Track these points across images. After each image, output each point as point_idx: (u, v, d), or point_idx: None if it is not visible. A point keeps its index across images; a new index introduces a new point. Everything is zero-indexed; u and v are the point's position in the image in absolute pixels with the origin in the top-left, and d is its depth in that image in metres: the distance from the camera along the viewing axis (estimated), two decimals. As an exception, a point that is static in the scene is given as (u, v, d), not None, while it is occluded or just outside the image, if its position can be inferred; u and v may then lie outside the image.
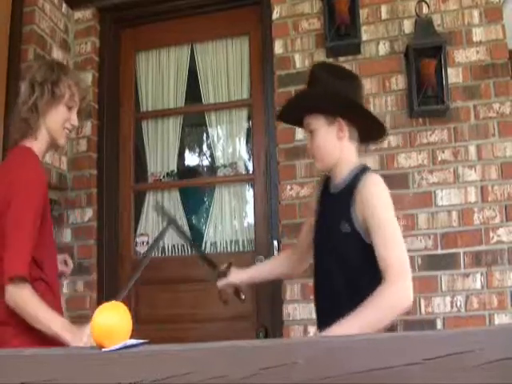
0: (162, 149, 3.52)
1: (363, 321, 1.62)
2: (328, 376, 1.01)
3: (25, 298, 1.88)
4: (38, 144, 2.08)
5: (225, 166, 3.48)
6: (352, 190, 1.82)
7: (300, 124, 2.00)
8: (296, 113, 1.99)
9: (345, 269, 1.88)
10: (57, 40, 3.21)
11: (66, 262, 2.37)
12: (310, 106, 1.92)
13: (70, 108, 2.13)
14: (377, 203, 1.76)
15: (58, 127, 2.11)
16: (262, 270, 2.41)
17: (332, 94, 1.86)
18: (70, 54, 3.35)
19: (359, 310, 1.63)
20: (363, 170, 1.90)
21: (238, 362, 1.05)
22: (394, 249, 1.69)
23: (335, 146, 1.89)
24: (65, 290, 3.08)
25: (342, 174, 1.91)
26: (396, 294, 1.65)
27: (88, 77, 3.32)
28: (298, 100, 2.00)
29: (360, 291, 1.75)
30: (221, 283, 2.30)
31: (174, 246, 3.38)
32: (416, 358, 1.02)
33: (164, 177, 3.51)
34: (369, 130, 1.96)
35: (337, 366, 1.03)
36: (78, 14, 3.42)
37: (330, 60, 3.03)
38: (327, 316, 1.87)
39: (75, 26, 3.41)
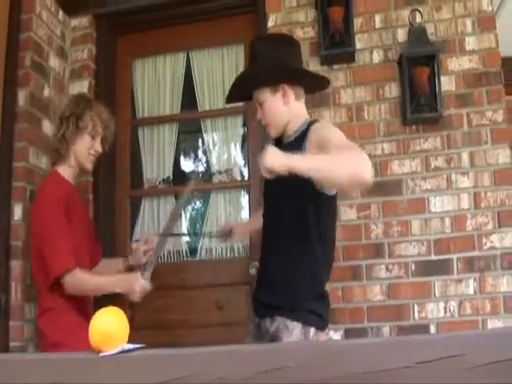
0: (157, 155, 3.53)
1: (324, 162, 1.72)
2: (321, 379, 1.03)
3: (76, 286, 2.33)
4: (67, 168, 2.57)
5: (220, 173, 3.49)
6: (303, 137, 1.99)
7: (248, 99, 2.18)
8: (243, 92, 2.16)
9: (292, 213, 2.03)
10: (54, 47, 3.22)
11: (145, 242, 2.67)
12: (254, 83, 2.09)
13: (93, 137, 2.56)
14: (330, 134, 1.91)
15: (84, 154, 2.55)
16: (256, 222, 2.46)
17: (271, 66, 2.03)
18: (66, 61, 3.36)
19: (320, 155, 1.79)
20: (314, 121, 2.07)
21: (235, 366, 1.07)
22: (347, 143, 1.85)
23: (283, 111, 2.07)
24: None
25: (294, 129, 2.09)
26: (361, 156, 1.70)
27: (84, 84, 3.34)
28: (242, 80, 2.16)
29: (304, 235, 2.00)
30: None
31: (168, 252, 3.40)
32: (409, 361, 1.04)
33: (160, 183, 3.52)
34: (313, 82, 2.18)
35: (329, 369, 1.05)
36: (74, 22, 3.43)
37: (325, 68, 3.06)
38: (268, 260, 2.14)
39: (72, 33, 3.43)
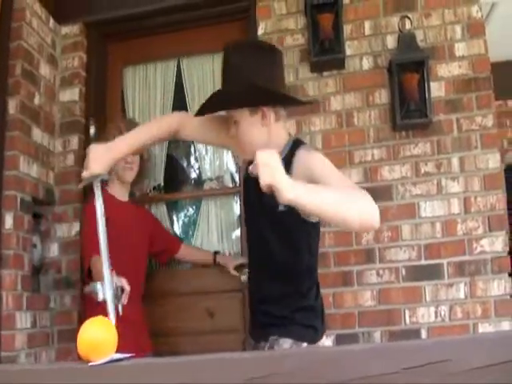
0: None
1: (330, 196, 1.53)
2: (311, 386, 1.04)
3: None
4: (112, 184, 2.88)
5: (211, 180, 3.50)
6: (288, 163, 1.76)
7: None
8: (217, 109, 1.98)
9: (286, 244, 1.92)
10: (44, 55, 3.22)
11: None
12: (228, 105, 1.89)
13: None
14: (325, 167, 1.74)
15: (120, 166, 2.78)
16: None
17: (247, 88, 1.81)
18: (57, 69, 3.36)
19: (334, 188, 1.61)
20: (295, 143, 1.91)
21: (227, 373, 1.07)
22: (345, 179, 1.78)
23: (260, 133, 1.87)
24: (52, 304, 3.08)
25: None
26: (370, 201, 1.56)
27: (75, 91, 3.34)
28: (217, 100, 1.91)
29: (299, 267, 1.94)
30: None
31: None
32: (395, 367, 1.04)
33: (151, 190, 3.53)
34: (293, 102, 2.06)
35: (318, 375, 1.05)
36: (65, 29, 3.43)
37: (315, 75, 3.07)
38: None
39: (62, 41, 3.42)
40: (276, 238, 1.91)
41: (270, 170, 1.42)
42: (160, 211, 3.48)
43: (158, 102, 3.56)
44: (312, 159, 1.78)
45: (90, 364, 1.11)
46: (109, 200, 2.61)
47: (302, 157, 1.80)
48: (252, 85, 1.80)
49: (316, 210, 1.52)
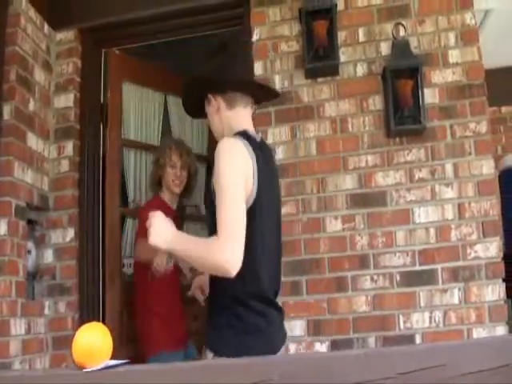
0: (140, 178, 3.73)
1: (189, 253, 1.79)
2: (305, 392, 1.04)
3: None
4: (164, 195, 3.37)
5: (190, 206, 3.94)
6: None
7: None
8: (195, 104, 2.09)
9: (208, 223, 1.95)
10: (39, 61, 3.22)
11: None
12: (184, 94, 2.08)
13: (172, 167, 3.33)
14: (217, 170, 1.77)
15: (169, 182, 3.34)
16: None
17: (190, 80, 2.02)
18: (51, 75, 3.36)
19: (195, 244, 1.79)
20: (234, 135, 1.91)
21: (215, 381, 1.07)
22: (223, 209, 1.71)
23: (215, 122, 2.00)
24: (46, 311, 3.07)
25: None
26: (220, 255, 1.66)
27: (69, 97, 3.34)
28: (185, 94, 2.11)
29: None
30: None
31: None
32: (390, 372, 1.05)
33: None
34: (260, 90, 2.06)
35: (311, 381, 1.05)
36: (59, 35, 3.44)
37: (309, 81, 3.08)
38: None
39: (57, 47, 3.43)
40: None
41: (152, 232, 1.80)
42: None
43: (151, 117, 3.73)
44: (215, 159, 1.80)
45: (85, 370, 1.11)
46: (162, 205, 3.15)
47: (216, 152, 1.83)
48: (193, 76, 2.01)
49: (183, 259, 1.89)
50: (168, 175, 3.31)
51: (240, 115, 1.96)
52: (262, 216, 1.83)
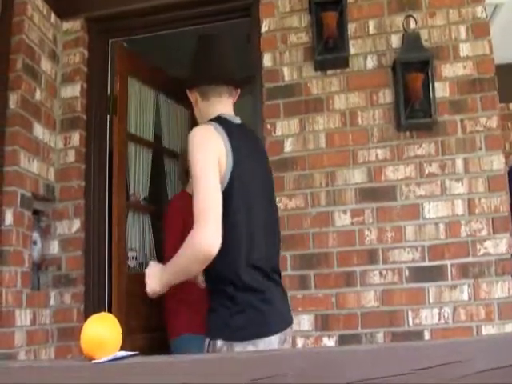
0: (139, 173, 3.70)
1: (174, 268, 1.86)
2: (318, 387, 1.02)
3: None
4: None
5: None
6: None
7: None
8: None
9: None
10: (45, 50, 3.19)
11: None
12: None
13: None
14: (191, 160, 1.84)
15: None
16: None
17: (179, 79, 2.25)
18: (58, 65, 3.34)
19: (175, 256, 1.83)
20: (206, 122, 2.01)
21: (229, 373, 1.05)
22: (197, 198, 1.77)
23: (195, 111, 2.13)
24: (52, 302, 3.05)
25: None
26: (195, 241, 1.73)
27: (76, 88, 3.31)
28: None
29: None
30: None
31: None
32: (405, 368, 1.02)
33: (142, 200, 3.70)
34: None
35: (326, 377, 1.03)
36: (66, 25, 3.41)
37: (318, 74, 3.05)
38: None
39: (64, 37, 3.40)
40: None
41: (147, 280, 1.90)
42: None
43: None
44: (189, 156, 1.87)
45: (94, 361, 1.09)
46: (186, 198, 2.90)
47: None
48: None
49: (177, 281, 1.89)
50: None
51: (215, 104, 2.05)
52: (243, 192, 1.86)
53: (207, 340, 1.80)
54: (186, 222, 2.64)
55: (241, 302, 1.78)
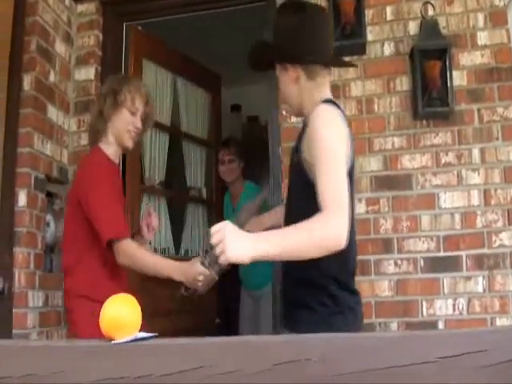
0: (155, 157, 3.68)
1: (287, 242, 1.54)
2: (342, 373, 1.00)
3: (126, 257, 2.23)
4: (107, 146, 2.46)
5: (193, 188, 4.00)
6: (305, 126, 1.83)
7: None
8: (261, 62, 2.00)
9: (291, 202, 1.89)
10: (60, 33, 3.17)
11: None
12: (255, 59, 1.97)
13: (132, 113, 2.45)
14: (317, 137, 1.68)
15: (122, 130, 2.44)
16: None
17: (263, 46, 1.96)
18: (72, 47, 3.32)
19: (289, 230, 1.58)
20: (323, 103, 1.84)
21: (250, 357, 1.03)
22: (328, 183, 1.58)
23: (292, 89, 1.89)
24: (64, 284, 3.05)
25: (306, 112, 1.89)
26: (329, 226, 1.51)
27: (90, 71, 3.29)
28: (252, 54, 1.97)
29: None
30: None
31: (164, 248, 3.66)
32: (430, 356, 1.00)
33: (158, 184, 3.70)
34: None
35: (350, 363, 1.01)
36: (81, 7, 3.38)
37: (335, 59, 3.01)
38: None
39: (78, 19, 3.37)
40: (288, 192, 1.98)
41: (222, 246, 1.51)
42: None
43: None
44: (313, 130, 1.70)
45: (113, 342, 1.08)
46: (108, 159, 2.47)
47: (311, 120, 1.74)
48: (265, 42, 1.98)
49: (278, 258, 1.66)
50: (122, 120, 2.49)
51: (320, 86, 1.88)
52: (352, 185, 1.74)
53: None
54: (115, 186, 2.46)
55: (342, 303, 1.76)
